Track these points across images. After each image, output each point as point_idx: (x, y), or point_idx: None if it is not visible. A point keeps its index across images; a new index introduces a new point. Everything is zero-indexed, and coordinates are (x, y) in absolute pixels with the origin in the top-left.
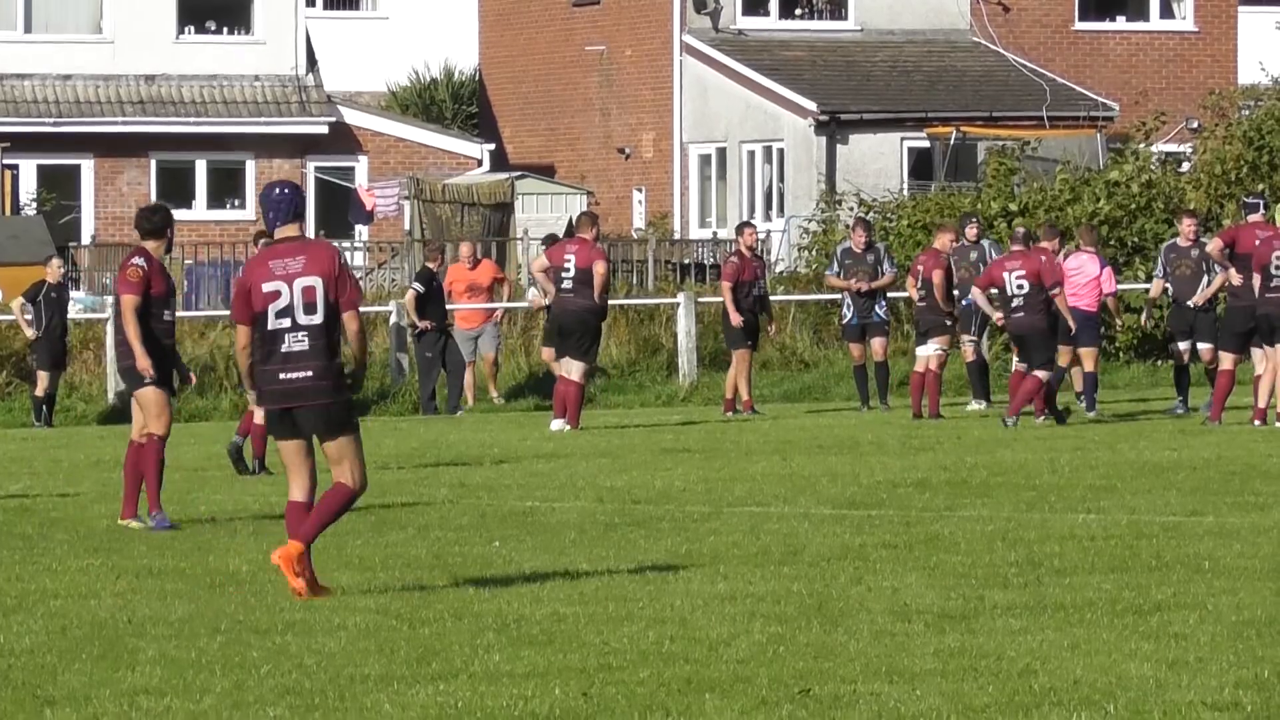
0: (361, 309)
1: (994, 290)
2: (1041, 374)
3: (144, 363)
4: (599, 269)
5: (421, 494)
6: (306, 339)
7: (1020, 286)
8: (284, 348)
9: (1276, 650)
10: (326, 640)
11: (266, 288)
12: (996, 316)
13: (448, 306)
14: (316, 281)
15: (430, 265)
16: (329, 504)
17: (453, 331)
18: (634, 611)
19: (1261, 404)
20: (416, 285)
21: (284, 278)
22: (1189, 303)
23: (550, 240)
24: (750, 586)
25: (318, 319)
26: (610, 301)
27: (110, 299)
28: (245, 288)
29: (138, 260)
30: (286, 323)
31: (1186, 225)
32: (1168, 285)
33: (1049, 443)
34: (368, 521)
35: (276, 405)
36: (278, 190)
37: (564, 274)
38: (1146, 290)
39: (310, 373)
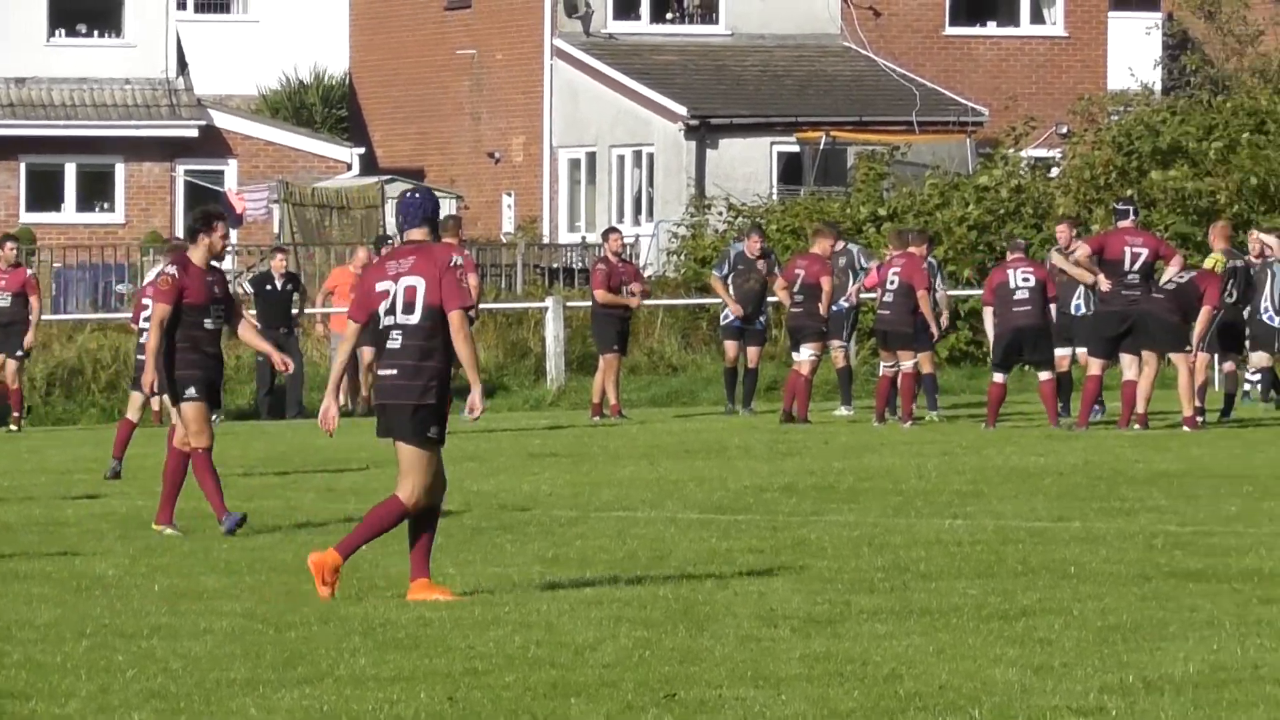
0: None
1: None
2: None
3: (149, 377)
4: (472, 281)
5: (289, 498)
6: (401, 338)
7: (892, 283)
8: (386, 344)
9: (1141, 655)
10: (192, 644)
11: (379, 288)
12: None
13: (329, 310)
14: (419, 282)
15: (275, 268)
16: (376, 515)
17: (332, 336)
18: (500, 616)
19: (1141, 409)
20: (246, 286)
21: (394, 278)
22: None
23: (381, 241)
24: (617, 591)
25: (414, 319)
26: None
27: None
28: (363, 288)
29: (169, 269)
30: (390, 321)
31: (1061, 231)
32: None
33: (916, 448)
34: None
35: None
36: (409, 194)
37: None
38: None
39: (396, 371)
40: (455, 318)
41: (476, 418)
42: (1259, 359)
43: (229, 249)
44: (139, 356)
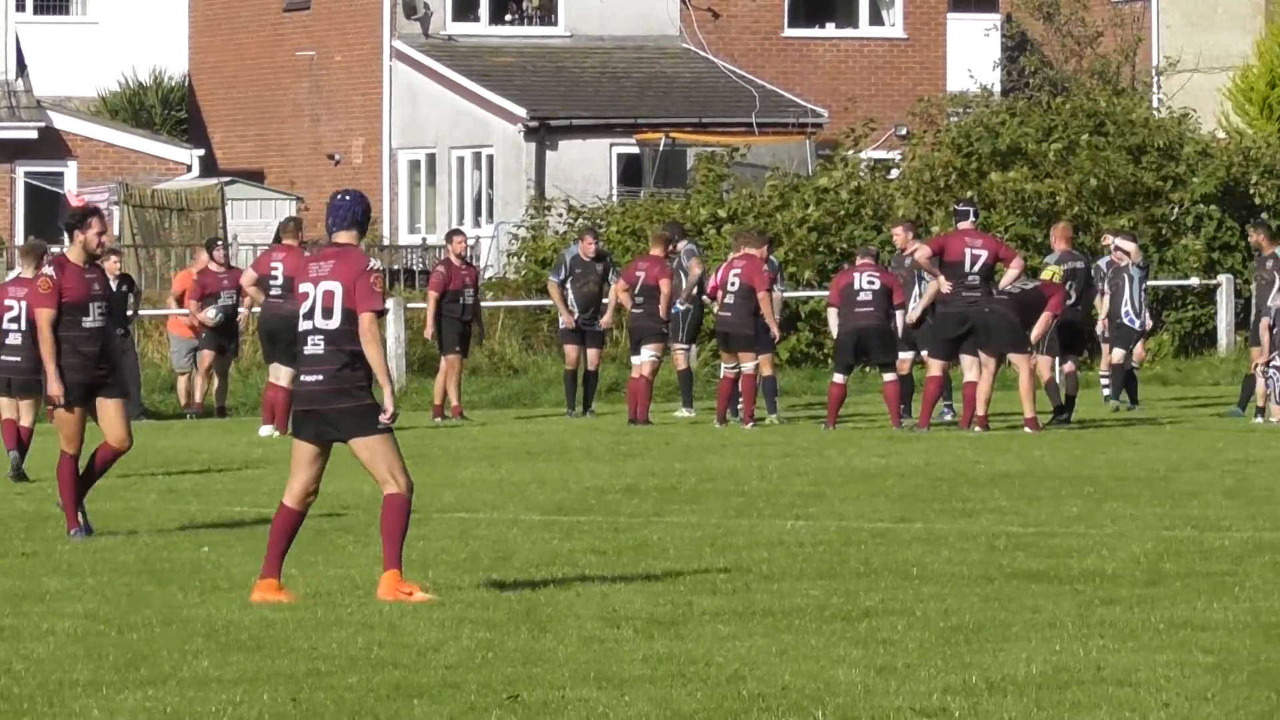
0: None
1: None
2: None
3: (55, 389)
4: None
5: (129, 499)
6: (322, 343)
7: (733, 285)
8: (306, 349)
9: (984, 656)
10: (35, 646)
11: (300, 288)
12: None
13: (171, 312)
14: (337, 287)
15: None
16: (391, 522)
17: (171, 338)
18: (343, 617)
19: (981, 411)
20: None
21: (314, 280)
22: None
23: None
24: (459, 592)
25: (333, 324)
26: None
27: None
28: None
29: (47, 269)
30: (309, 325)
31: (897, 234)
32: None
33: (758, 449)
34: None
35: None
36: (340, 196)
37: (272, 281)
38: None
39: (322, 376)
40: (365, 320)
41: (389, 420)
42: (1116, 356)
43: (108, 245)
44: (10, 359)
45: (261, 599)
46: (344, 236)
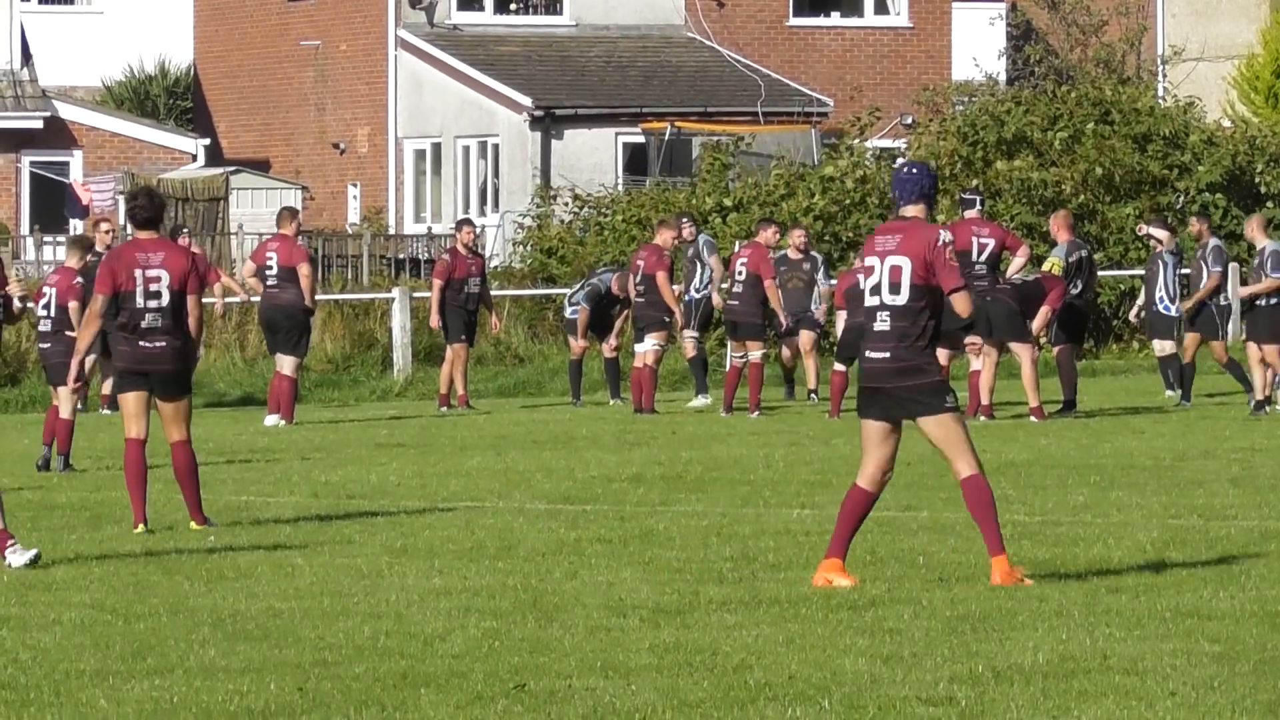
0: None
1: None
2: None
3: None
4: (304, 270)
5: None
6: (889, 319)
7: (740, 274)
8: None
9: (990, 645)
10: (41, 635)
11: (867, 263)
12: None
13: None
14: (905, 262)
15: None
16: None
17: None
18: (349, 606)
19: (986, 400)
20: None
21: (880, 255)
22: None
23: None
24: (465, 581)
25: (900, 300)
26: (325, 296)
27: None
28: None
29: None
30: (875, 301)
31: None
32: None
33: (764, 438)
34: (83, 517)
35: None
36: (906, 169)
37: (267, 271)
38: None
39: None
40: (959, 299)
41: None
42: (1161, 348)
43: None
44: (42, 345)
45: (824, 580)
46: (912, 210)
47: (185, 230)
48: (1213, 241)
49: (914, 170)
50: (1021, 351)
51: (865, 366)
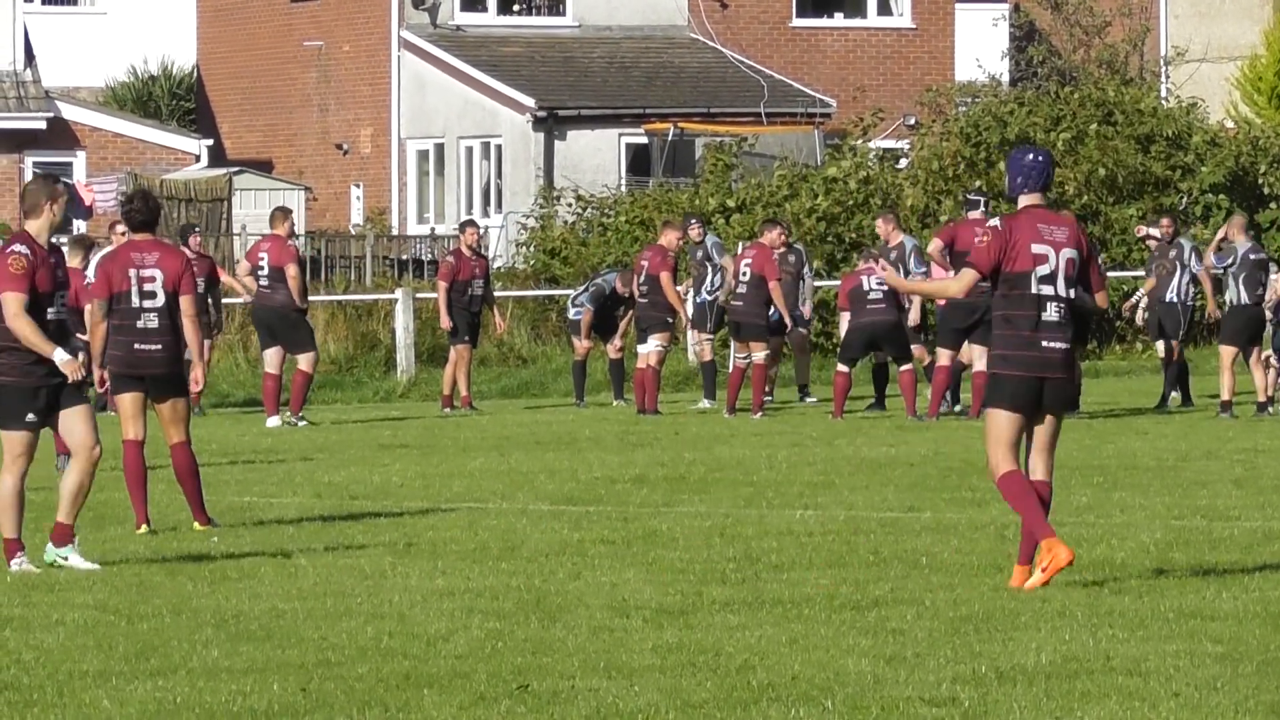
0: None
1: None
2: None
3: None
4: (291, 271)
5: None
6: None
7: (744, 274)
8: None
9: (993, 645)
10: (45, 636)
11: (1035, 251)
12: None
13: None
14: (1076, 255)
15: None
16: None
17: None
18: (352, 607)
19: None
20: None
21: (1054, 245)
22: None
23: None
24: (468, 582)
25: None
26: (328, 297)
27: None
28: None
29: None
30: (1048, 290)
31: (880, 226)
32: None
33: (766, 439)
34: (85, 517)
35: None
36: (1030, 156)
37: (260, 271)
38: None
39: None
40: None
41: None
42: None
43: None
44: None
45: (1052, 565)
46: (1035, 198)
47: (197, 230)
48: (1187, 245)
49: (1038, 157)
50: None
51: (1035, 356)
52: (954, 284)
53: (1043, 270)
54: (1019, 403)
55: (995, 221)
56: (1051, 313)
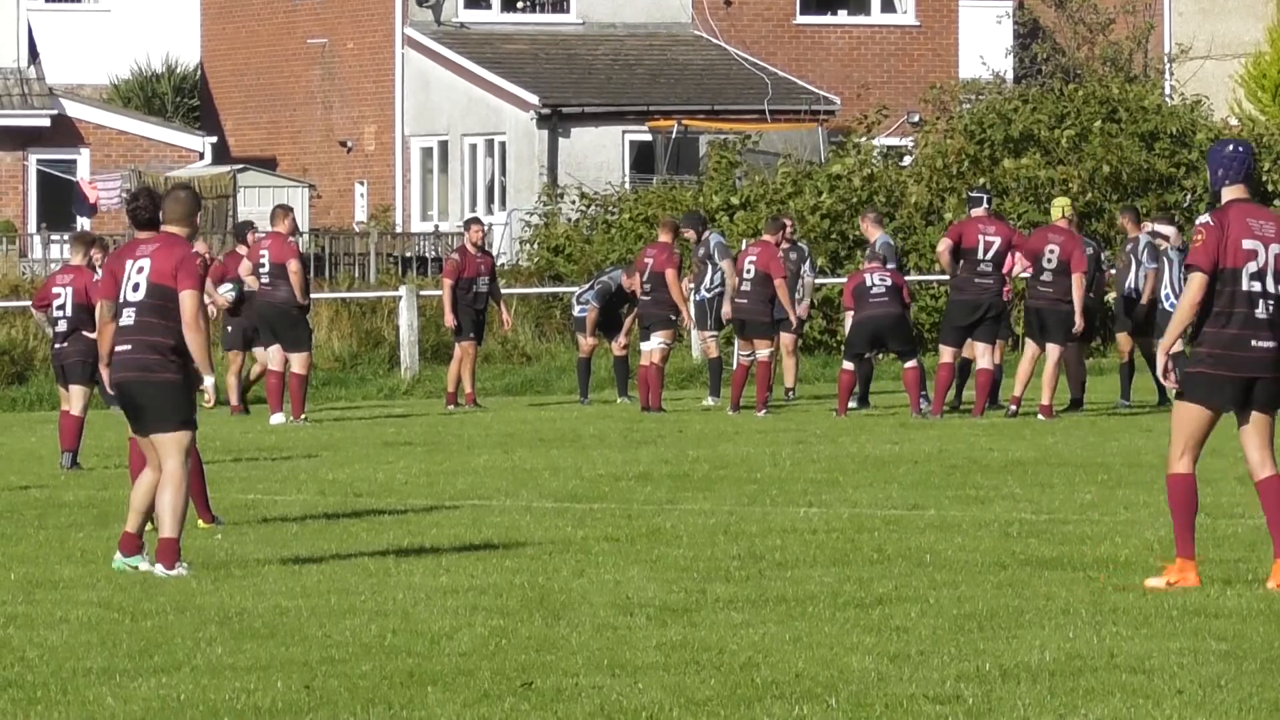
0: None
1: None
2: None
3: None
4: (292, 268)
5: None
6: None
7: (748, 272)
8: None
9: (997, 643)
10: (48, 633)
11: (1246, 246)
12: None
13: None
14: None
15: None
16: None
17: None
18: (356, 605)
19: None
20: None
21: (1263, 240)
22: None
23: (246, 228)
24: (472, 580)
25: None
26: (332, 295)
27: None
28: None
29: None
30: (1256, 287)
31: (864, 225)
32: None
33: (770, 436)
34: (90, 515)
35: None
36: (1231, 148)
37: (261, 269)
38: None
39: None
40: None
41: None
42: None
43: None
44: (58, 345)
45: (1178, 584)
46: (1238, 191)
47: (254, 227)
48: (1143, 239)
49: (1239, 149)
50: (1053, 351)
51: (1244, 356)
52: (1187, 298)
53: (1253, 266)
54: (1217, 402)
55: (1206, 218)
56: (1261, 310)
